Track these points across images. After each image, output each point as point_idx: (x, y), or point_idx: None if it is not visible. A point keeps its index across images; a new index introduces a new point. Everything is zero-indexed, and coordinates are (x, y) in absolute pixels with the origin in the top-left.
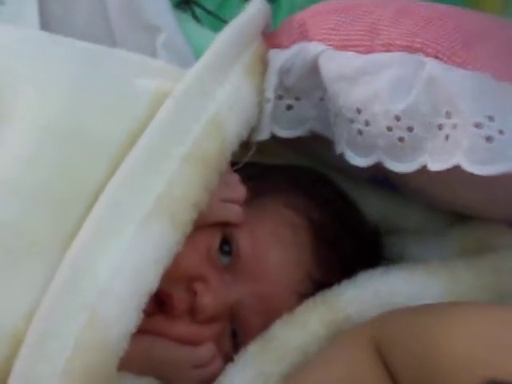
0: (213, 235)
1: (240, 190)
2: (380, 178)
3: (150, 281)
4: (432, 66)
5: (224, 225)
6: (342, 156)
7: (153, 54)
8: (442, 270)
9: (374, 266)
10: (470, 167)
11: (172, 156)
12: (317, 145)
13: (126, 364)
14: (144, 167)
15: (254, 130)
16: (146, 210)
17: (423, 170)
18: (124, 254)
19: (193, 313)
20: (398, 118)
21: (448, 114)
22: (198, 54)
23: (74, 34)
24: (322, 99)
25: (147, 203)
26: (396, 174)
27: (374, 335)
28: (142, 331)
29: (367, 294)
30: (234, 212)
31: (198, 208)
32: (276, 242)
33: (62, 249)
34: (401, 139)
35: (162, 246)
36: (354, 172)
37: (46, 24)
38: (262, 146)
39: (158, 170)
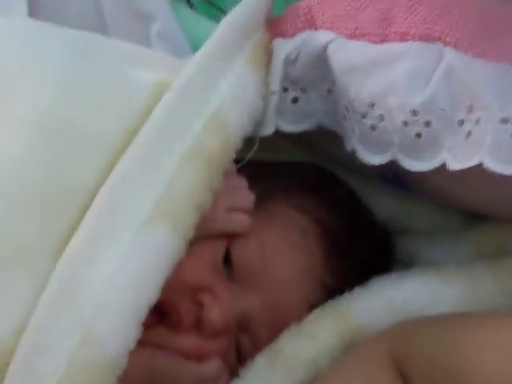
0: (218, 244)
1: (248, 198)
2: (390, 176)
3: (150, 292)
4: (451, 56)
5: (229, 234)
6: (351, 153)
7: (147, 44)
8: (458, 275)
9: (386, 269)
10: (494, 166)
11: (172, 153)
12: (324, 140)
13: (125, 380)
14: (142, 166)
15: (258, 124)
16: (144, 213)
17: (441, 168)
18: (121, 263)
19: (199, 325)
20: (414, 113)
21: (469, 109)
22: (193, 43)
23: (65, 23)
24: (330, 91)
25: (146, 205)
26: (409, 172)
27: (390, 348)
28: (141, 344)
29: (380, 302)
30: (240, 222)
31: (201, 210)
32: (285, 249)
33: (54, 256)
34: (418, 135)
35: (163, 253)
36: (362, 169)
37: (34, 13)
38: (266, 141)
39: (157, 168)
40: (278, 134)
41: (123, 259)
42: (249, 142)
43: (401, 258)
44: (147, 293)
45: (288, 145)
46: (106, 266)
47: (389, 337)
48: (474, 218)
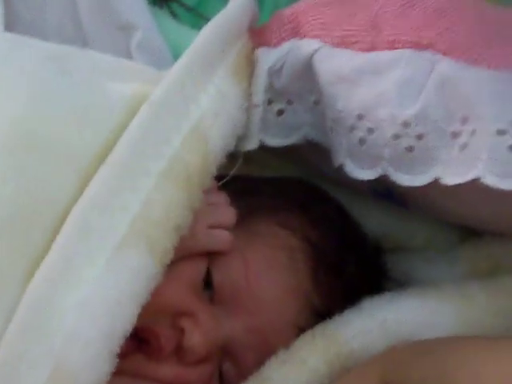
0: (198, 264)
1: (229, 214)
2: (381, 191)
3: (125, 319)
4: (444, 65)
5: (210, 253)
6: (340, 167)
7: (128, 55)
8: (453, 294)
9: (378, 288)
10: (492, 181)
11: (148, 172)
12: (311, 154)
13: None
14: (116, 185)
15: (241, 138)
16: (119, 235)
17: (434, 182)
18: (94, 288)
19: (179, 353)
20: (406, 125)
21: (464, 120)
22: (176, 54)
23: (44, 36)
24: (317, 103)
25: (121, 227)
26: (402, 186)
27: (383, 374)
28: (118, 373)
29: (373, 324)
30: (222, 239)
31: (180, 232)
32: (270, 268)
33: (24, 280)
34: (410, 149)
35: (139, 278)
36: (352, 184)
37: (12, 26)
38: (250, 156)
39: (132, 187)
40: (263, 148)
41: (96, 284)
42: (232, 156)
43: (394, 276)
44: (122, 320)
45: (273, 159)
46: (79, 293)
47: (381, 362)
48: (469, 233)
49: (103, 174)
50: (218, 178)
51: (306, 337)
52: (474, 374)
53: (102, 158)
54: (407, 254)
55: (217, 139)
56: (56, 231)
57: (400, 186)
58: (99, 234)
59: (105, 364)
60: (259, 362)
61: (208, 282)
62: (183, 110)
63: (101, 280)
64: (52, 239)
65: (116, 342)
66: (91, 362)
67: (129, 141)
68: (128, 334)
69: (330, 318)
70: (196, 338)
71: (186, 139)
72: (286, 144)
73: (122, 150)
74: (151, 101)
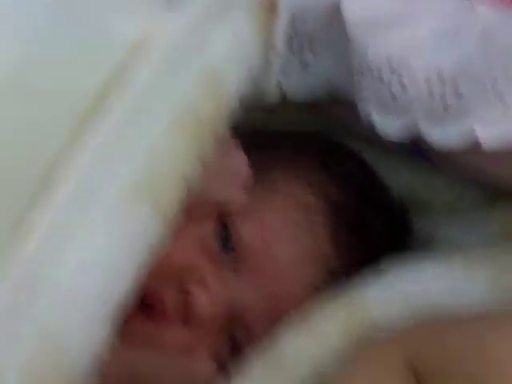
0: (208, 221)
1: (243, 166)
2: (409, 147)
3: (124, 282)
4: (486, 13)
5: (222, 209)
6: (367, 122)
7: None
8: (483, 259)
9: (401, 251)
10: None
11: (156, 117)
12: (336, 108)
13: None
14: (117, 133)
15: (259, 90)
16: (119, 189)
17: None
18: (88, 249)
19: (186, 317)
20: (441, 78)
21: (507, 74)
22: None
23: None
24: (344, 52)
25: (121, 180)
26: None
27: (409, 358)
28: (120, 338)
29: (395, 292)
30: (234, 194)
31: (188, 184)
32: (287, 228)
33: (9, 241)
34: (445, 104)
35: (140, 237)
36: (378, 140)
37: None
38: (270, 109)
39: (137, 135)
40: (284, 101)
41: (90, 244)
42: (248, 110)
43: (418, 238)
44: (121, 283)
45: (295, 113)
46: (71, 254)
47: (406, 343)
48: (500, 194)
49: (102, 122)
50: (235, 132)
51: (323, 304)
52: None
53: (100, 104)
54: (433, 214)
55: (231, 84)
56: (46, 184)
57: (430, 144)
58: (95, 186)
59: (99, 330)
60: (272, 331)
61: (223, 240)
62: (196, 51)
63: (96, 239)
64: (41, 191)
65: (112, 306)
66: (81, 326)
67: (135, 84)
68: (128, 298)
69: (350, 283)
70: (204, 302)
71: (198, 84)
72: (309, 97)
73: (124, 93)
74: (160, 41)
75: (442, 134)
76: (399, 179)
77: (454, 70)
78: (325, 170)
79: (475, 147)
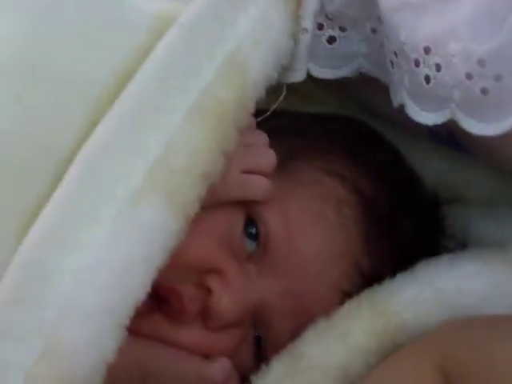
0: (233, 215)
1: (268, 157)
2: (443, 135)
3: (136, 288)
4: None
5: (246, 203)
6: (399, 107)
7: None
8: None
9: (434, 248)
10: None
11: (174, 107)
12: (364, 90)
13: (110, 380)
14: (134, 123)
15: (285, 68)
16: (133, 185)
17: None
18: (100, 250)
19: (205, 316)
20: (481, 63)
21: None
22: None
23: None
24: (374, 31)
25: (136, 174)
26: (469, 133)
27: (439, 359)
28: (133, 334)
29: (428, 292)
30: (258, 187)
31: (209, 181)
32: (315, 224)
33: (17, 236)
34: (484, 91)
35: (155, 238)
36: (409, 125)
37: None
38: (296, 89)
39: (153, 126)
40: (310, 81)
41: (101, 246)
42: (273, 89)
43: (452, 234)
44: (132, 291)
45: (321, 93)
46: (81, 254)
47: (439, 346)
48: None
49: (119, 109)
50: (256, 113)
51: (351, 304)
52: None
53: (116, 92)
54: (467, 207)
55: (256, 70)
56: (58, 178)
57: (467, 133)
58: (108, 182)
59: (109, 340)
60: (296, 332)
61: (250, 234)
62: (218, 34)
63: (107, 240)
64: (53, 188)
65: (124, 314)
66: (92, 338)
67: (152, 70)
68: (142, 298)
69: (380, 284)
70: (225, 300)
71: (220, 70)
72: (336, 76)
73: (142, 81)
74: (180, 23)
75: (480, 120)
76: (430, 168)
77: (493, 53)
78: (355, 159)
79: None
